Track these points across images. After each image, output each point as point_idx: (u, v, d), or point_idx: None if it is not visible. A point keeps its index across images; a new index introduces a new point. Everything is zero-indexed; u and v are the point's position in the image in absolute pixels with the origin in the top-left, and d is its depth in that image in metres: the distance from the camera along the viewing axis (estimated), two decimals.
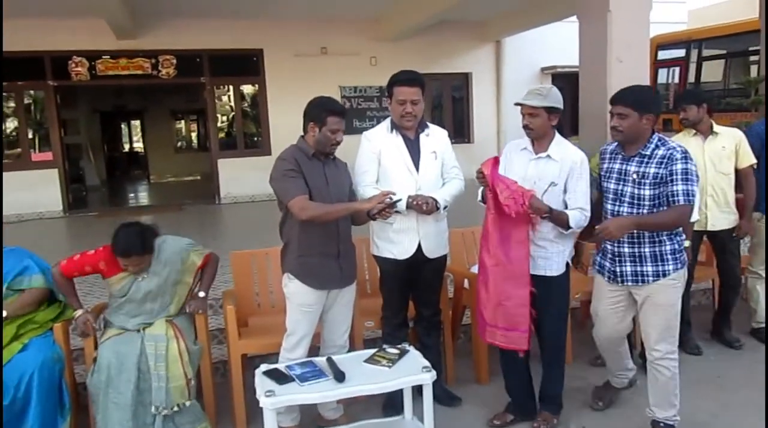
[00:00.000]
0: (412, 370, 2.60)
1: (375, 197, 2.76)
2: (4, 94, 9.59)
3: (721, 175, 3.73)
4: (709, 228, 3.78)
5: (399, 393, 2.83)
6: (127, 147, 20.40)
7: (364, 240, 3.31)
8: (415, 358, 2.72)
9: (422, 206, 2.94)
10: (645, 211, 2.70)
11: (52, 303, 3.12)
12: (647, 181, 2.67)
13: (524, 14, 10.07)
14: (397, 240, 3.07)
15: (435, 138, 3.16)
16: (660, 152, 2.67)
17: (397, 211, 2.94)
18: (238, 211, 9.70)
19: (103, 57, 9.79)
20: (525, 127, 2.86)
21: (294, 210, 2.76)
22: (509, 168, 2.91)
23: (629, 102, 2.68)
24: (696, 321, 3.99)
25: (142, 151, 18.87)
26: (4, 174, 8.87)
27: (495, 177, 2.75)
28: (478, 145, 11.67)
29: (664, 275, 2.72)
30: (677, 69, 10.31)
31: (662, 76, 10.47)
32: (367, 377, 2.56)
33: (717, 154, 3.72)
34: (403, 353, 2.74)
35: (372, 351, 2.79)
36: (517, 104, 2.89)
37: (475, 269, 3.30)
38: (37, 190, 9.48)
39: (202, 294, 3.15)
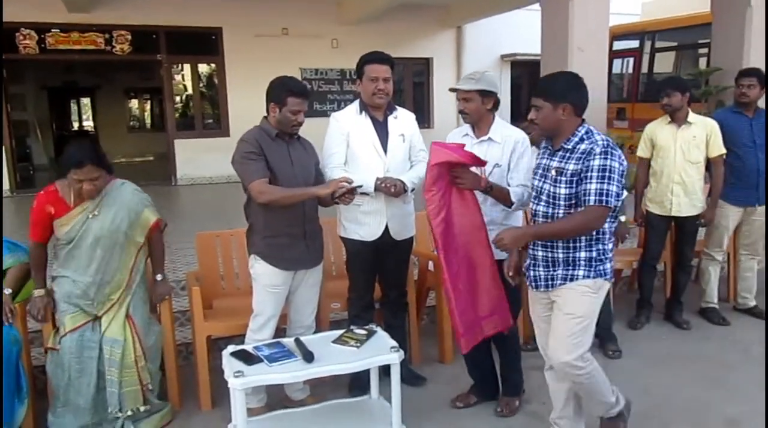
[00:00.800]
0: (380, 350, 2.64)
1: (331, 183, 2.75)
2: None
3: (689, 163, 3.87)
4: (674, 213, 3.94)
5: (365, 374, 2.86)
6: (76, 125, 19.61)
7: (330, 222, 3.30)
8: (382, 338, 2.75)
9: (391, 188, 2.95)
10: (560, 212, 2.41)
11: None
12: (564, 178, 2.38)
13: (487, 0, 10.13)
14: (365, 222, 3.08)
15: (403, 121, 3.17)
16: (582, 146, 2.37)
17: (364, 194, 2.95)
18: (195, 193, 9.51)
19: (53, 30, 9.29)
20: (461, 111, 2.89)
21: (252, 193, 2.75)
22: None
23: (540, 92, 2.43)
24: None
25: (93, 130, 18.20)
26: None
27: (446, 162, 2.63)
28: (437, 130, 11.68)
29: (572, 279, 2.42)
30: (631, 59, 10.58)
31: (617, 66, 10.72)
32: (336, 357, 2.58)
33: (687, 143, 3.85)
34: (371, 333, 2.77)
35: (340, 332, 2.81)
36: (451, 90, 2.93)
37: None
38: None
39: (159, 276, 3.09)
